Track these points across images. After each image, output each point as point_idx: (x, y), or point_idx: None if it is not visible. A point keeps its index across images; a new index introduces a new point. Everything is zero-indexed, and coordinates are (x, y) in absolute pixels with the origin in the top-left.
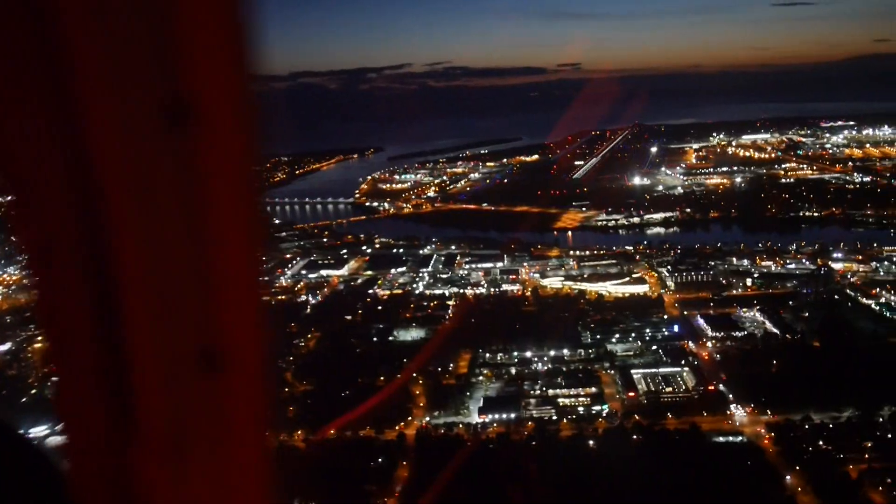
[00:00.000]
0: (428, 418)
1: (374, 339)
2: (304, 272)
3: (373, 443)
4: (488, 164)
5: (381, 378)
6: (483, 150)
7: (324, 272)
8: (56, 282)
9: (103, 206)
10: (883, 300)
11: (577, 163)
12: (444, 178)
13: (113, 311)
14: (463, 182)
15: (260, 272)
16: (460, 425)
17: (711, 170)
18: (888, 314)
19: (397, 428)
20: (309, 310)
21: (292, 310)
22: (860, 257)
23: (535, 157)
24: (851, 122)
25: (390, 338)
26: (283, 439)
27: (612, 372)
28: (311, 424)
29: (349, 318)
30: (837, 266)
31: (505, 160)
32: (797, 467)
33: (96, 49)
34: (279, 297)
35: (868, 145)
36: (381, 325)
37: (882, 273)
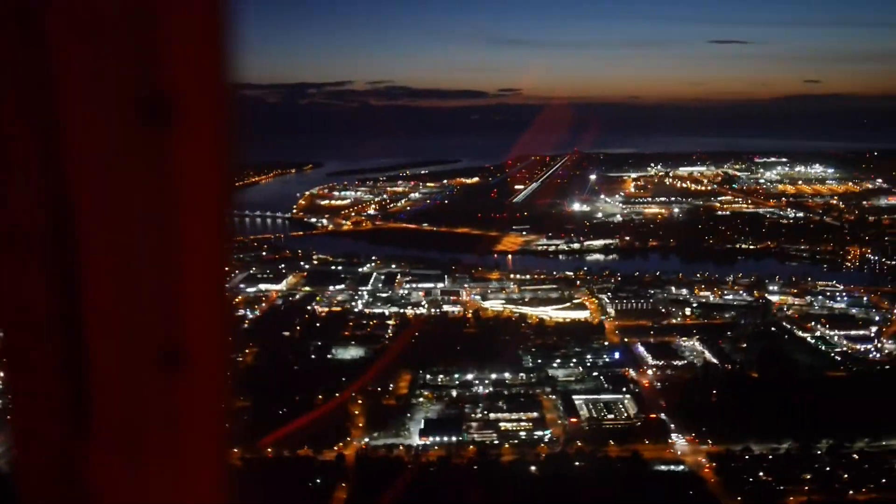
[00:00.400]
0: (367, 439)
1: (312, 356)
2: (242, 285)
3: (311, 462)
4: (429, 184)
5: (319, 396)
6: (423, 171)
7: (262, 286)
8: (17, 270)
9: (73, 196)
10: (818, 334)
11: (517, 187)
12: (385, 196)
13: (75, 304)
14: (403, 201)
15: (226, 272)
16: (401, 447)
17: (650, 199)
18: (823, 348)
19: (336, 448)
20: (247, 324)
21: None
22: (795, 291)
23: (476, 179)
24: (784, 159)
25: (328, 355)
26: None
27: (554, 397)
28: (247, 441)
29: (287, 333)
30: (774, 298)
31: (445, 181)
32: (738, 498)
33: (75, 39)
34: None
35: (800, 182)
36: (319, 343)
37: (816, 307)
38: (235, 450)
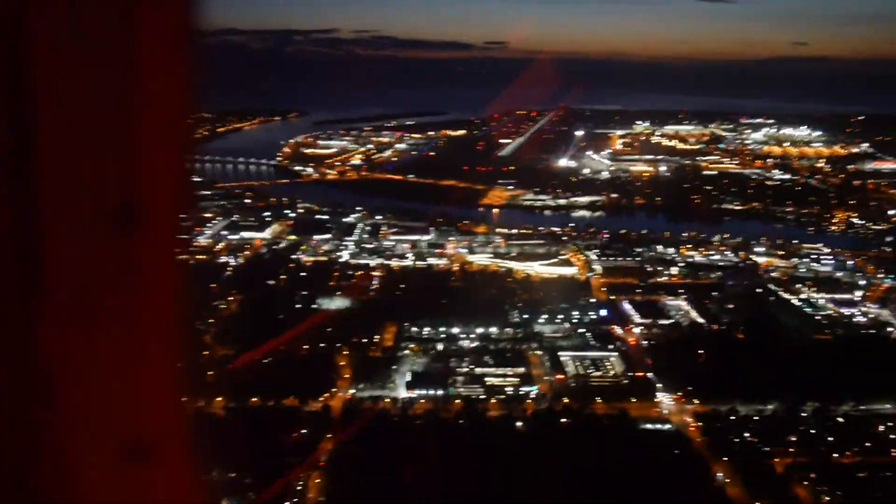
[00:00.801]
0: (353, 390)
1: (298, 306)
2: (224, 233)
3: (297, 412)
4: (414, 135)
5: (304, 347)
6: (409, 122)
7: (245, 234)
8: None
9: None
10: (804, 296)
11: (503, 141)
12: (370, 146)
13: (26, 158)
14: (389, 152)
15: (185, 132)
16: (387, 399)
17: (637, 157)
18: (809, 311)
19: (321, 399)
20: (230, 272)
21: (212, 270)
22: (781, 253)
23: (462, 132)
24: (771, 121)
25: (313, 306)
26: (203, 406)
27: (541, 353)
28: (231, 392)
29: (272, 283)
30: (760, 260)
31: (431, 133)
32: (724, 458)
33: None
34: (198, 256)
35: (787, 144)
36: (304, 293)
37: (802, 270)
38: (214, 402)
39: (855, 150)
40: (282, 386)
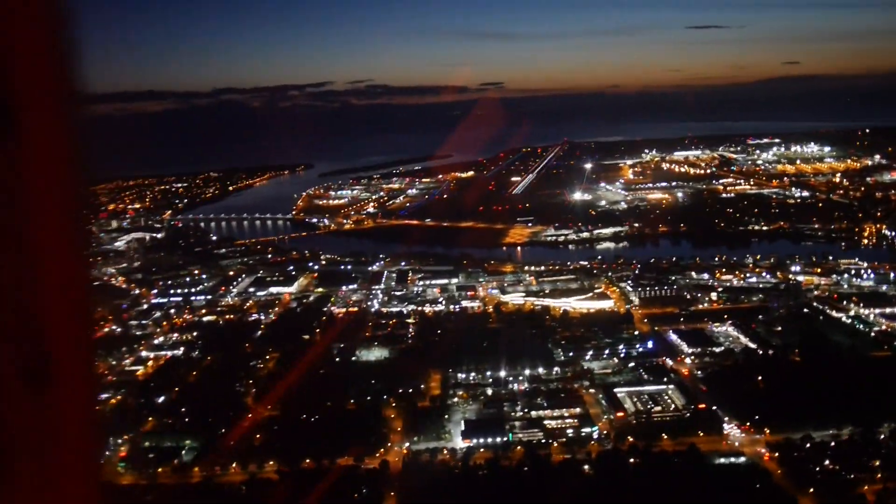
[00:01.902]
0: (408, 443)
1: (337, 359)
2: (251, 289)
3: (355, 472)
4: (424, 179)
5: (351, 401)
6: (416, 167)
7: (273, 289)
8: None
9: None
10: (853, 313)
11: (514, 179)
12: (382, 193)
13: None
14: (401, 198)
15: (87, 281)
16: (444, 450)
17: (650, 185)
18: (861, 327)
19: (378, 455)
20: (262, 329)
21: (244, 329)
22: (819, 270)
23: (471, 173)
24: (777, 140)
25: (353, 358)
26: (253, 471)
27: (594, 391)
28: (280, 453)
29: (307, 337)
30: (799, 279)
31: (440, 176)
32: (809, 489)
33: None
34: (227, 316)
35: (798, 161)
36: (341, 345)
37: (845, 286)
38: (265, 466)
39: (868, 162)
40: (334, 444)
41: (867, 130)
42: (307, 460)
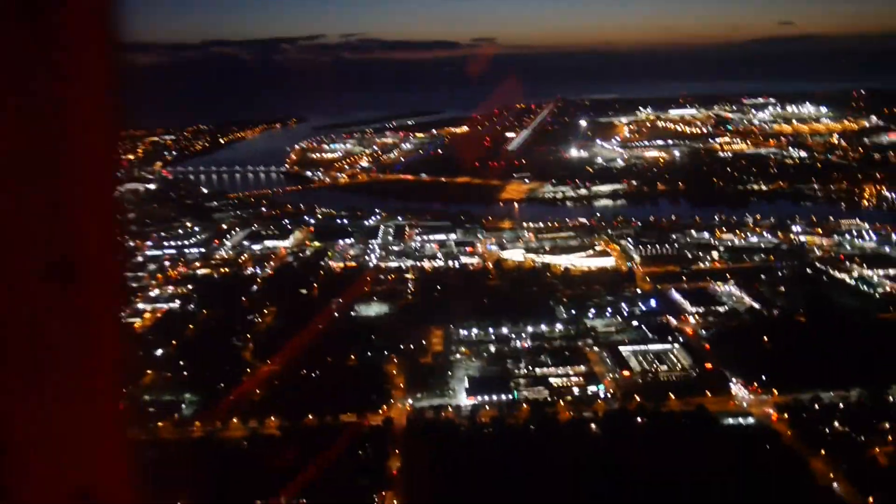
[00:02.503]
0: (411, 400)
1: (336, 314)
2: (246, 243)
3: (358, 428)
4: (418, 134)
5: (352, 356)
6: (409, 122)
7: (268, 243)
8: None
9: None
10: (856, 274)
11: (509, 135)
12: (375, 148)
13: None
14: (395, 152)
15: (114, 182)
16: (448, 407)
17: (647, 143)
18: (865, 288)
19: (381, 411)
20: (259, 283)
21: (240, 283)
22: (820, 230)
23: (465, 128)
24: (772, 100)
25: (353, 313)
26: (255, 427)
27: (598, 349)
28: (282, 409)
29: (304, 292)
30: (801, 239)
31: (434, 131)
32: (821, 451)
33: None
34: (222, 269)
35: (794, 122)
36: (340, 300)
37: (848, 247)
38: (267, 422)
39: (865, 123)
40: (336, 400)
41: (862, 92)
42: (309, 416)
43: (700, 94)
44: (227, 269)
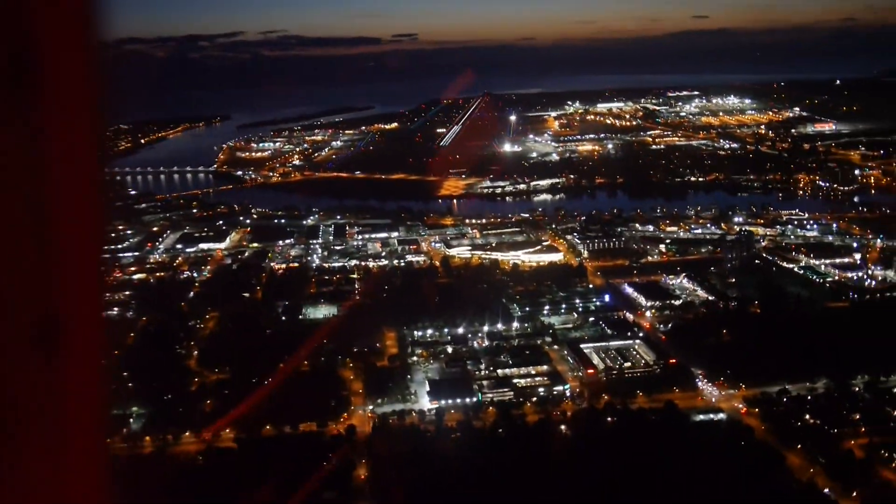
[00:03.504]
0: (371, 406)
1: (283, 318)
2: (179, 246)
3: (319, 438)
4: (347, 131)
5: (304, 362)
6: (338, 118)
7: (203, 245)
8: None
9: None
10: (804, 264)
11: (440, 130)
12: (305, 146)
13: None
14: (327, 150)
15: (100, 248)
16: (413, 413)
17: (579, 136)
18: (814, 278)
19: (342, 419)
20: (197, 287)
21: (178, 287)
22: (762, 221)
23: (395, 124)
24: (696, 92)
25: (300, 316)
26: (210, 440)
27: (557, 347)
28: (237, 420)
29: (247, 295)
30: (750, 230)
31: (364, 128)
32: (796, 446)
33: None
34: (158, 274)
35: (721, 114)
36: (286, 303)
37: (791, 237)
38: (222, 434)
39: (789, 114)
40: (293, 409)
41: (782, 84)
42: (266, 427)
43: (625, 87)
44: (162, 274)
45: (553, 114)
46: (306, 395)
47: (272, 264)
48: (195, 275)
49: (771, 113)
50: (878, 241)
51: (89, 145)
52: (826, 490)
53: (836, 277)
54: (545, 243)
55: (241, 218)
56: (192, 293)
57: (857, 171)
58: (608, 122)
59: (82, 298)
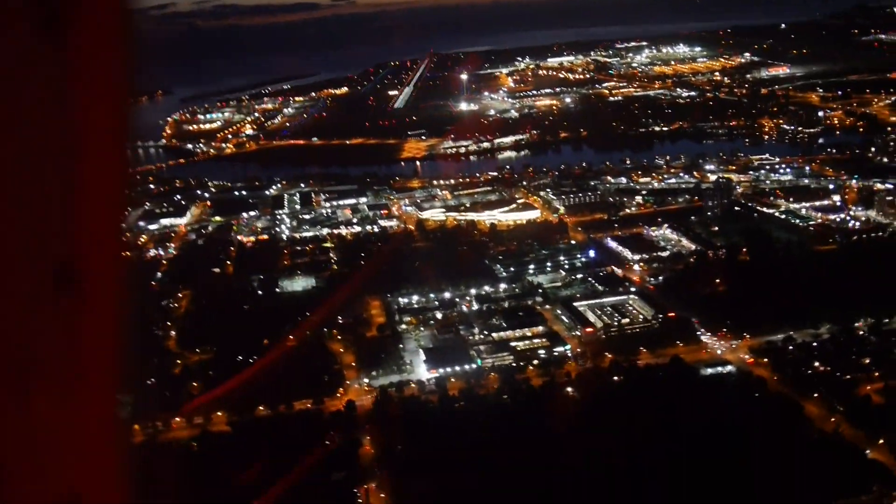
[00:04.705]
0: (367, 380)
1: (260, 292)
2: (141, 223)
3: (319, 415)
4: (297, 98)
5: (290, 336)
6: (285, 86)
7: (164, 221)
8: None
9: None
10: (784, 208)
11: (392, 93)
12: (256, 114)
13: None
14: (279, 118)
15: (121, 193)
16: (411, 383)
17: (535, 92)
18: (797, 222)
19: (339, 394)
20: (165, 265)
21: (145, 266)
22: (734, 167)
23: (345, 89)
24: (644, 43)
25: (277, 289)
26: (201, 424)
27: (549, 307)
28: (228, 402)
29: (217, 270)
30: (715, 177)
31: (314, 94)
32: (812, 394)
33: None
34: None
35: (673, 63)
36: (261, 276)
37: (767, 182)
38: (213, 417)
39: (741, 60)
40: (285, 387)
41: (728, 30)
42: (260, 408)
43: (573, 41)
44: (127, 253)
45: (505, 70)
46: (297, 372)
47: (239, 237)
48: (161, 252)
49: (722, 59)
50: (854, 181)
51: (116, 91)
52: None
53: (819, 220)
54: (520, 201)
55: (199, 192)
56: (160, 272)
57: (819, 114)
58: (561, 76)
59: (103, 245)
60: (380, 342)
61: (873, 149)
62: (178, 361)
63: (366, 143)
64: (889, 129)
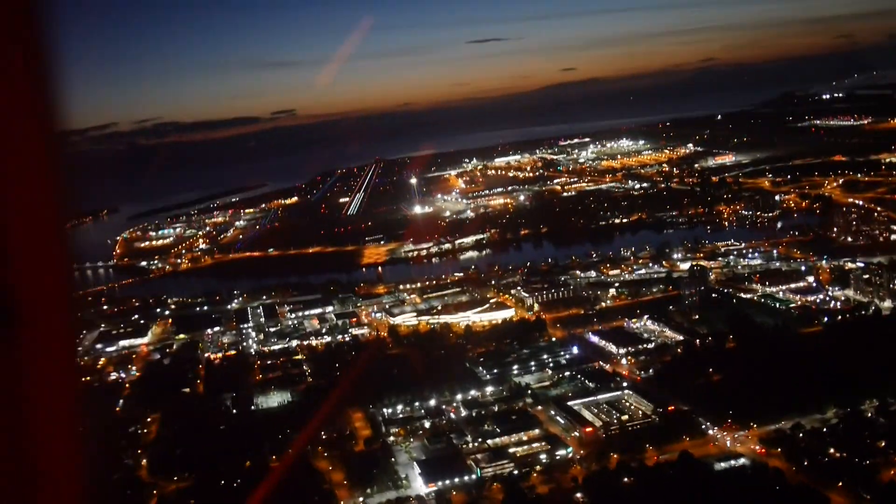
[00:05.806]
0: (362, 498)
1: (234, 411)
2: (99, 346)
3: None
4: (247, 210)
5: (273, 456)
6: (233, 199)
7: (123, 342)
8: None
9: None
10: (761, 292)
11: (342, 200)
12: (208, 228)
13: None
14: (231, 231)
15: (63, 220)
16: (411, 500)
17: (487, 192)
18: (777, 305)
19: None
20: (128, 388)
21: (107, 391)
22: (701, 255)
23: (295, 198)
24: (587, 139)
25: (251, 407)
26: None
27: (542, 408)
28: None
29: (186, 390)
30: (685, 266)
31: (263, 205)
32: (836, 483)
33: None
34: (82, 379)
35: (619, 157)
36: (233, 394)
37: (738, 267)
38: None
39: (685, 150)
40: None
41: (668, 123)
42: None
43: (516, 141)
44: (87, 378)
45: (453, 172)
46: (285, 495)
47: (207, 354)
48: (123, 375)
49: (667, 151)
50: (824, 262)
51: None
52: None
53: (799, 302)
54: (493, 300)
55: (158, 309)
56: (123, 396)
57: (776, 198)
58: (511, 174)
59: (45, 283)
60: (369, 456)
61: (835, 229)
62: (154, 492)
63: (324, 251)
64: (844, 209)
